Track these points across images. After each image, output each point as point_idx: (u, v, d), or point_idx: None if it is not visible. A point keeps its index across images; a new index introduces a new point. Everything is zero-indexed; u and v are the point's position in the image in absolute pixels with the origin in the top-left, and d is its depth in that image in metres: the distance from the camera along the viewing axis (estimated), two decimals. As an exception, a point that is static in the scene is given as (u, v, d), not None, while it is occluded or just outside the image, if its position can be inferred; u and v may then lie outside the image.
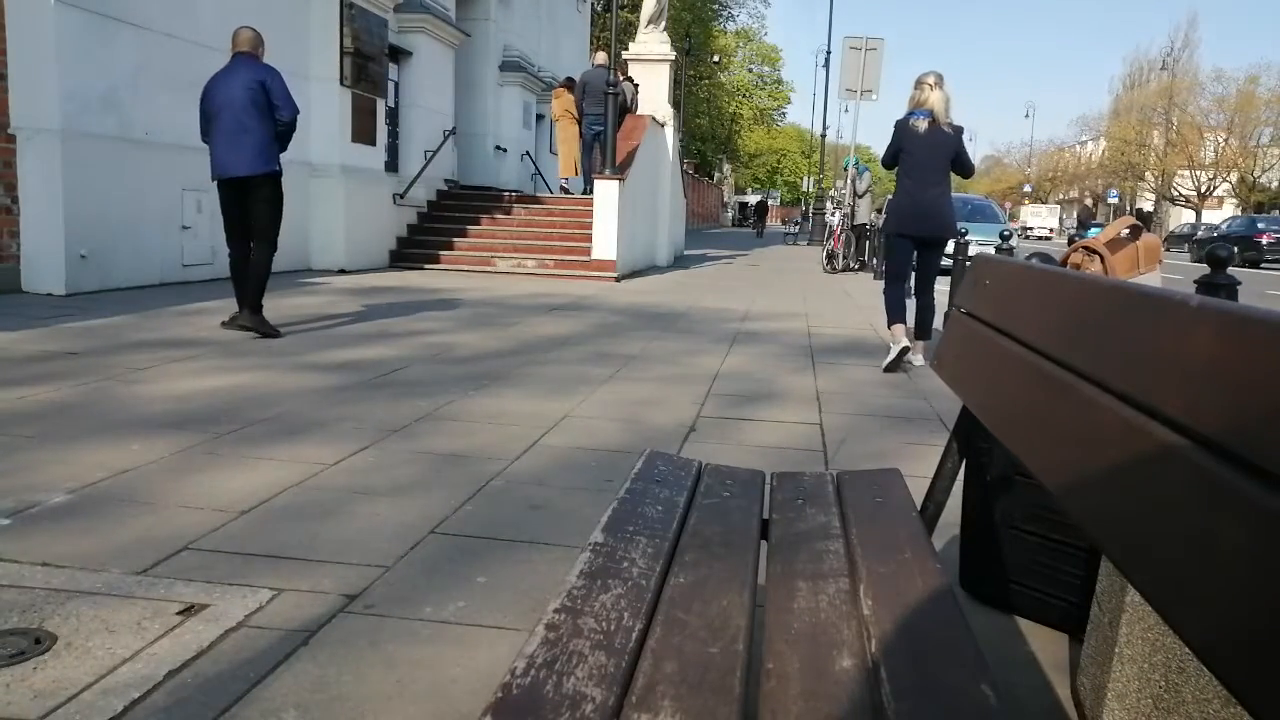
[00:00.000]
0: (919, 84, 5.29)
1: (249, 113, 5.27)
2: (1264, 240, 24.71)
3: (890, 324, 5.41)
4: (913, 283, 5.59)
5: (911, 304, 5.50)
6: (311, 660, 1.66)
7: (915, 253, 5.39)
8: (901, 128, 5.29)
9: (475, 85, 14.73)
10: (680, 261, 15.68)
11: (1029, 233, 48.80)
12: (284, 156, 5.62)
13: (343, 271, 10.15)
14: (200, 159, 8.40)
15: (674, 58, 15.70)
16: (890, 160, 5.40)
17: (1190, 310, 0.70)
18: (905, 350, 5.15)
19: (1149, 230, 3.09)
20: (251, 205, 5.41)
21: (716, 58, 48.16)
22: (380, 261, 11.15)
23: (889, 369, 5.15)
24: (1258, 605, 0.52)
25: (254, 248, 5.46)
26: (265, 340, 5.27)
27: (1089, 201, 42.41)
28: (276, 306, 6.80)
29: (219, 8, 8.49)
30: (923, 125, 5.19)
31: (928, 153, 5.20)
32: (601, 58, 13.20)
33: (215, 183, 5.39)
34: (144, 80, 7.60)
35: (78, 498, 2.46)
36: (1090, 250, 2.89)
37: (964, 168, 5.31)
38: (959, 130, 5.26)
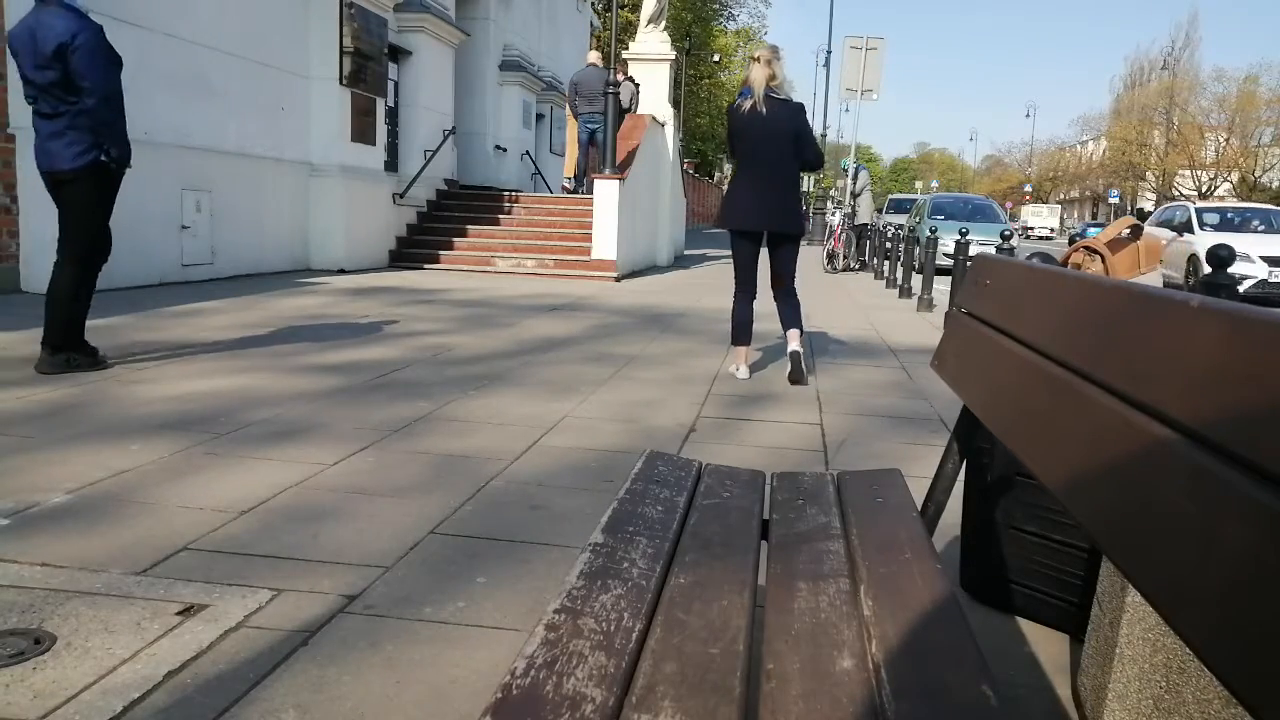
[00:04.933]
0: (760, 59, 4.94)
1: (58, 85, 3.89)
2: None
3: None
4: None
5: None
6: (311, 660, 1.66)
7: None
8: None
9: (475, 85, 14.72)
10: (680, 261, 15.68)
11: (1030, 233, 48.83)
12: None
13: (342, 271, 10.15)
14: (201, 159, 8.49)
15: (674, 57, 15.72)
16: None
17: (1191, 310, 0.70)
18: None
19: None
20: (59, 207, 4.22)
21: (717, 57, 48.15)
22: (380, 261, 11.15)
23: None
24: (1258, 605, 0.52)
25: (55, 265, 4.25)
26: (264, 340, 5.25)
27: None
28: (276, 307, 6.81)
29: (218, 7, 8.49)
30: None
31: None
32: (593, 56, 13.18)
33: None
34: (143, 80, 7.59)
35: (77, 498, 2.46)
36: (1091, 250, 2.89)
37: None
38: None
